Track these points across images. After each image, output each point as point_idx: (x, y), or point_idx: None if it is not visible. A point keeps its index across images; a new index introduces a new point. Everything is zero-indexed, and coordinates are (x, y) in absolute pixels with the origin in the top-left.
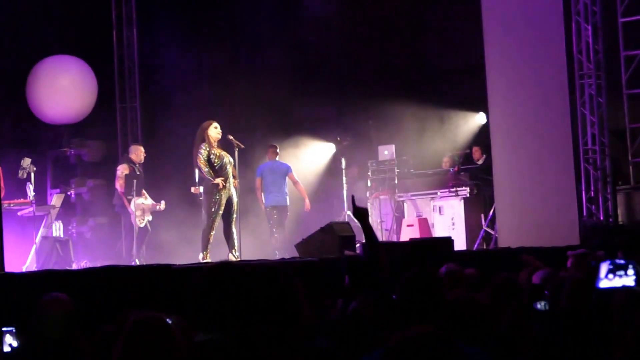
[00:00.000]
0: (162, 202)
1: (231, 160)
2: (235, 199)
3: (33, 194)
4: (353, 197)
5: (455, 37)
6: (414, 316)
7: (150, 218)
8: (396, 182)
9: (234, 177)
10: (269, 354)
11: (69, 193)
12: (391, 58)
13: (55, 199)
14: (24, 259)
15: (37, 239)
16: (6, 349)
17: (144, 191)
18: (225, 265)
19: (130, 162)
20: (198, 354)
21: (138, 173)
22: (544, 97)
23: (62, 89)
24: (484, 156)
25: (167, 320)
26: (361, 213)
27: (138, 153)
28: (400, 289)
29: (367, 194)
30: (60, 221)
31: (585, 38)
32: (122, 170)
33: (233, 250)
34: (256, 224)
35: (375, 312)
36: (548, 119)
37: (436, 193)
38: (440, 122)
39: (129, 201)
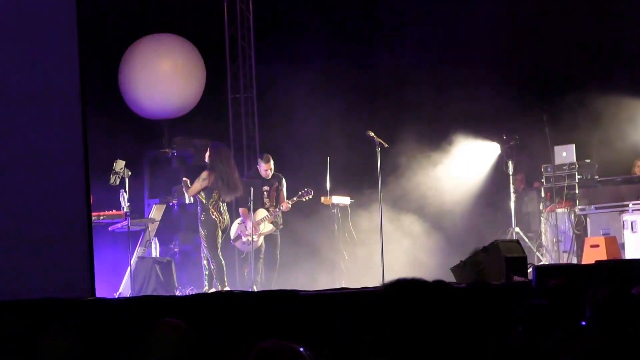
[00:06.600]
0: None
1: None
2: None
3: (128, 204)
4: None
5: None
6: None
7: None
8: (577, 191)
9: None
10: None
11: (170, 204)
12: (572, 35)
13: (155, 211)
14: (117, 284)
15: (133, 260)
16: None
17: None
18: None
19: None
20: None
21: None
22: None
23: (163, 76)
24: None
25: (300, 349)
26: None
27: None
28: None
29: (541, 207)
30: (159, 238)
31: None
32: None
33: None
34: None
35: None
36: None
37: (628, 205)
38: (633, 115)
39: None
